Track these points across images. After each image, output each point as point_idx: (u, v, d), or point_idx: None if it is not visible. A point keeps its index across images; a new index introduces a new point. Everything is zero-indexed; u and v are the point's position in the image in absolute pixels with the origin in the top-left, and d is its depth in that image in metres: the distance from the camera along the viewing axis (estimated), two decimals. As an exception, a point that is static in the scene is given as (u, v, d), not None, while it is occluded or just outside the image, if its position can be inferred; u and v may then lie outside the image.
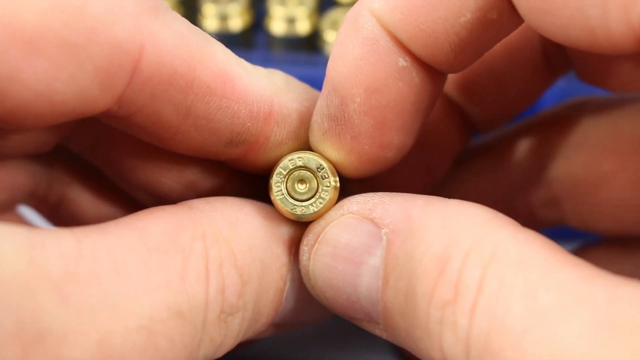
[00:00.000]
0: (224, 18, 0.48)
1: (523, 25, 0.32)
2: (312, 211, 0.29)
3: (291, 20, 0.48)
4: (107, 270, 0.24)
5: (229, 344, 0.28)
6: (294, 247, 0.29)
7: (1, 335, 0.22)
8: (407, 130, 0.30)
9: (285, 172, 0.29)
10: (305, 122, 0.31)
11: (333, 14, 0.48)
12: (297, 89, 0.31)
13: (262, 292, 0.28)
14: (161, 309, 0.25)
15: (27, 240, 0.24)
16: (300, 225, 0.30)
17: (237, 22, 0.48)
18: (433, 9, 0.27)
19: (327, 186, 0.29)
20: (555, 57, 0.34)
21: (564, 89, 0.43)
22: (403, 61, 0.28)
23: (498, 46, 0.32)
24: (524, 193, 0.37)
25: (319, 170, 0.29)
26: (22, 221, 0.36)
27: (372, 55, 0.28)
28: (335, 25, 0.48)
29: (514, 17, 0.27)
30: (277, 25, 0.48)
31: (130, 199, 0.35)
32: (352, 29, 0.28)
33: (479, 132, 0.37)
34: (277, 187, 0.29)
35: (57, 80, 0.25)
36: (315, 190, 0.29)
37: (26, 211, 0.36)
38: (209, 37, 0.28)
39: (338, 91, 0.29)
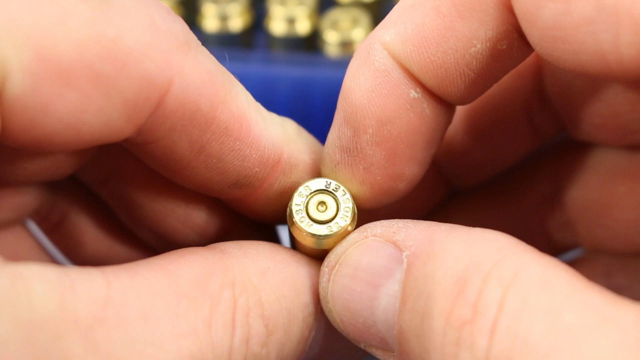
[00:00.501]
0: (224, 18, 0.48)
1: (507, 85, 0.32)
2: (336, 230, 0.29)
3: (291, 20, 0.48)
4: (135, 315, 0.24)
5: None
6: None
7: None
8: (418, 160, 0.30)
9: (306, 194, 0.29)
10: (310, 174, 0.31)
11: (333, 14, 0.48)
12: (307, 141, 0.31)
13: (287, 341, 0.28)
14: (185, 357, 0.25)
15: (58, 281, 0.24)
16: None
17: (237, 22, 0.48)
18: (444, 40, 0.28)
19: (348, 205, 0.29)
20: (540, 119, 0.34)
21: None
22: (414, 93, 0.29)
23: (481, 107, 0.33)
24: (539, 217, 0.36)
25: (336, 190, 0.29)
26: (31, 235, 0.36)
27: (384, 87, 0.29)
28: (335, 25, 0.48)
29: (523, 48, 0.28)
30: (277, 25, 0.48)
31: (131, 232, 0.35)
32: (363, 61, 0.29)
33: (457, 190, 0.37)
34: (298, 208, 0.29)
35: (86, 112, 0.25)
36: (335, 212, 0.29)
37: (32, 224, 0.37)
38: (233, 77, 0.28)
39: (350, 123, 0.29)
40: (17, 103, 0.24)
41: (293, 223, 0.29)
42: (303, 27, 0.48)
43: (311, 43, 0.49)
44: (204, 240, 0.33)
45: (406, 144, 0.29)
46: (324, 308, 0.29)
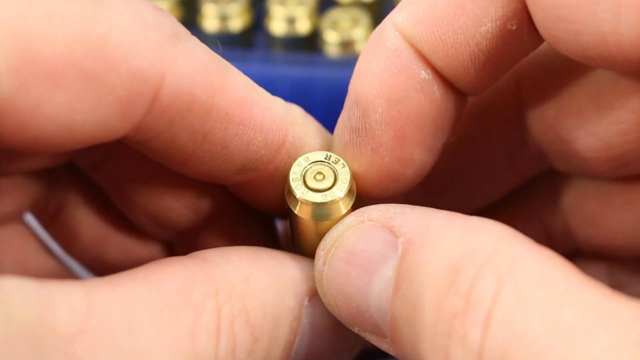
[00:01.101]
0: (224, 18, 0.48)
1: (486, 124, 0.32)
2: (330, 199, 0.29)
3: (291, 20, 0.48)
4: (117, 326, 0.24)
5: None
6: (307, 298, 0.29)
7: None
8: (427, 146, 0.30)
9: (305, 164, 0.29)
10: None
11: (333, 14, 0.48)
12: (313, 125, 0.31)
13: (273, 347, 0.28)
14: None
15: (37, 293, 0.23)
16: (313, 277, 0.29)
17: (237, 22, 0.48)
18: (454, 18, 0.28)
19: (346, 177, 0.29)
20: (521, 158, 0.34)
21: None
22: (425, 74, 0.29)
23: (459, 145, 0.33)
24: (539, 224, 0.36)
25: (335, 162, 0.29)
26: (29, 231, 0.36)
27: (395, 66, 0.29)
28: (335, 25, 0.48)
29: (532, 32, 0.28)
30: (277, 25, 0.48)
31: (126, 218, 0.35)
32: (376, 43, 0.29)
33: None
34: (295, 176, 0.29)
35: (78, 111, 0.25)
36: (332, 183, 0.29)
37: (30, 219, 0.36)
38: (228, 64, 0.28)
39: (360, 103, 0.29)
40: (6, 105, 0.24)
41: (289, 191, 0.29)
42: (303, 27, 0.48)
43: (311, 43, 0.49)
44: (198, 218, 0.33)
45: (415, 126, 0.29)
46: (319, 291, 0.29)
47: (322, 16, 0.49)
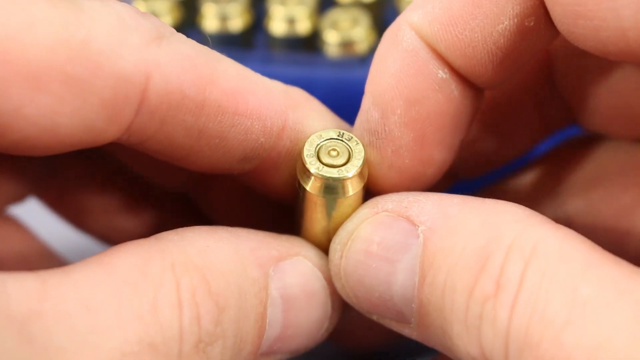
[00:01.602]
0: (224, 18, 0.48)
1: (516, 81, 0.32)
2: (346, 174, 0.29)
3: (291, 20, 0.48)
4: (73, 307, 0.24)
5: None
6: (272, 269, 0.29)
7: None
8: (447, 145, 0.30)
9: (317, 142, 0.29)
10: None
11: (333, 14, 0.48)
12: (316, 107, 0.31)
13: (242, 318, 0.28)
14: (133, 343, 0.25)
15: None
16: (276, 246, 0.29)
17: (237, 22, 0.48)
18: (471, 17, 0.28)
19: (360, 154, 0.29)
20: (549, 110, 0.34)
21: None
22: (442, 73, 0.29)
23: (490, 96, 0.33)
24: None
25: (349, 140, 0.29)
26: (15, 223, 0.36)
27: (412, 67, 0.29)
28: (335, 25, 0.48)
29: (550, 27, 0.28)
30: (277, 25, 0.48)
31: (130, 182, 0.35)
32: (391, 43, 0.29)
33: (461, 180, 0.37)
34: (309, 152, 0.29)
35: (61, 114, 0.25)
36: (347, 159, 0.29)
37: (27, 210, 0.36)
38: (219, 55, 0.28)
39: (378, 104, 0.29)
40: None
41: (303, 168, 0.29)
42: (303, 27, 0.48)
43: (311, 43, 0.49)
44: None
45: (435, 126, 0.29)
46: (336, 284, 0.29)
47: (322, 16, 0.49)
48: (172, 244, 0.27)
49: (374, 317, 0.29)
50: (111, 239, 0.37)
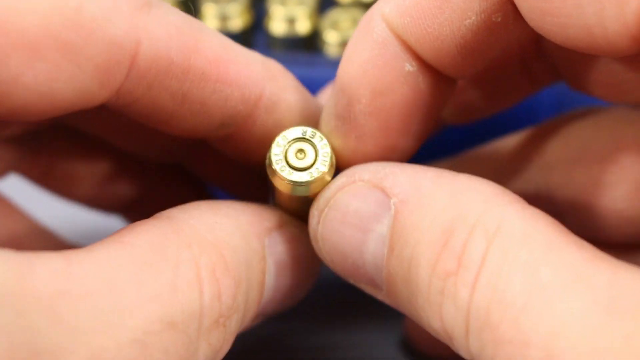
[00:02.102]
0: (224, 18, 0.48)
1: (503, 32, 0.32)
2: (316, 175, 0.30)
3: (291, 20, 0.48)
4: (97, 286, 0.25)
5: (227, 347, 0.28)
6: (267, 239, 0.30)
7: None
8: (412, 134, 0.31)
9: (283, 143, 0.30)
10: (294, 114, 0.32)
11: (333, 14, 0.48)
12: (290, 82, 0.32)
13: (250, 289, 0.29)
14: (154, 321, 0.25)
15: (15, 261, 0.24)
16: (267, 217, 0.31)
17: (237, 22, 0.48)
18: (440, 11, 0.28)
19: (326, 150, 0.30)
20: (536, 68, 0.34)
21: (561, 96, 0.43)
22: (409, 66, 0.29)
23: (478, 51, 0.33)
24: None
25: (312, 137, 0.30)
26: (3, 201, 0.36)
27: (380, 58, 0.29)
28: (335, 25, 0.48)
29: (519, 22, 0.28)
30: (277, 25, 0.48)
31: (120, 152, 0.36)
32: (363, 32, 0.29)
33: (448, 125, 0.37)
34: (277, 158, 0.30)
35: (58, 81, 0.26)
36: (314, 159, 0.30)
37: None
38: (203, 25, 0.30)
39: (346, 91, 0.30)
40: None
41: (274, 173, 0.30)
42: (303, 27, 0.48)
43: (311, 43, 0.49)
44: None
45: (399, 116, 0.30)
46: (314, 247, 0.30)
47: (322, 16, 0.49)
48: (184, 223, 0.28)
49: (351, 281, 0.30)
50: (101, 205, 0.39)
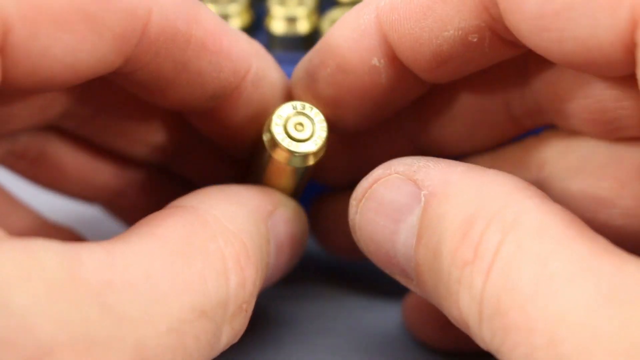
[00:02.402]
0: (224, 18, 0.48)
1: (486, 78, 0.34)
2: (321, 143, 0.32)
3: (291, 20, 0.48)
4: (137, 277, 0.26)
5: (245, 327, 0.30)
6: (269, 222, 0.32)
7: (57, 346, 0.23)
8: (362, 115, 0.33)
9: (281, 123, 0.32)
10: (276, 90, 0.34)
11: (333, 14, 0.48)
12: (273, 61, 0.34)
13: (261, 271, 0.30)
14: (187, 311, 0.27)
15: (65, 253, 0.25)
16: (269, 200, 0.33)
17: (237, 22, 0.48)
18: (424, 17, 0.30)
19: (320, 117, 0.32)
20: (519, 111, 0.35)
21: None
22: (377, 61, 0.32)
23: (459, 88, 0.35)
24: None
25: (303, 108, 0.33)
26: (6, 194, 0.37)
27: (355, 43, 0.31)
28: (335, 25, 0.48)
29: (499, 47, 0.30)
30: (277, 25, 0.48)
31: (112, 149, 0.38)
32: (355, 12, 0.32)
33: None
34: (281, 137, 0.32)
35: (82, 51, 0.27)
36: (312, 128, 0.32)
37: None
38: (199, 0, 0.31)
39: (321, 52, 0.32)
40: (21, 51, 0.26)
41: (282, 150, 0.32)
42: (303, 27, 0.48)
43: (311, 43, 0.49)
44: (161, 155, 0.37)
45: (353, 97, 0.33)
46: (353, 236, 0.31)
47: (322, 16, 0.49)
48: (207, 213, 0.29)
49: (387, 272, 0.31)
50: (84, 197, 0.40)
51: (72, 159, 0.38)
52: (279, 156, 0.32)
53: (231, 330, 0.29)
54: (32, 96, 0.33)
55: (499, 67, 0.34)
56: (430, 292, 0.28)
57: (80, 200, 0.40)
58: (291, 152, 0.32)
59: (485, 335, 0.26)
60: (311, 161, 0.32)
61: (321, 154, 0.33)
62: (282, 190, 0.34)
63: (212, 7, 0.48)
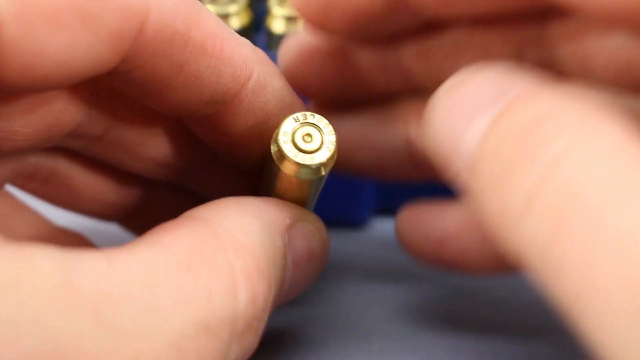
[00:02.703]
0: (224, 18, 0.48)
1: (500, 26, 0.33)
2: (333, 147, 0.31)
3: (291, 20, 0.48)
4: (138, 287, 0.25)
5: (256, 345, 0.29)
6: (286, 236, 0.31)
7: (43, 358, 0.22)
8: (355, 24, 0.34)
9: (290, 133, 0.31)
10: (278, 99, 0.33)
11: (333, 14, 0.48)
12: (276, 69, 0.34)
13: (276, 287, 0.29)
14: (190, 326, 0.25)
15: (61, 259, 0.24)
16: (287, 214, 0.32)
17: (237, 22, 0.48)
18: None
19: (325, 122, 0.32)
20: (533, 64, 0.35)
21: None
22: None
23: (468, 33, 0.34)
24: None
25: (305, 118, 0.32)
26: (13, 199, 0.37)
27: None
28: (335, 25, 0.48)
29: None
30: (277, 25, 0.48)
31: (123, 168, 0.37)
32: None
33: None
34: (286, 144, 0.31)
35: (77, 49, 0.26)
36: (320, 137, 0.31)
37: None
38: (198, 2, 0.31)
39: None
40: (13, 48, 0.25)
41: (295, 164, 0.31)
42: (303, 26, 0.48)
43: (311, 43, 0.49)
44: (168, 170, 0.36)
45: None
46: (424, 131, 0.30)
47: (322, 16, 0.49)
48: (218, 225, 0.28)
49: (441, 174, 0.30)
50: (99, 216, 0.39)
51: (83, 178, 0.37)
52: (291, 170, 0.31)
53: (240, 348, 0.27)
54: (35, 112, 0.32)
55: (515, 15, 0.33)
56: (480, 185, 0.27)
57: (96, 218, 0.39)
58: (307, 166, 0.31)
59: (526, 230, 0.25)
60: (326, 169, 0.31)
61: (335, 157, 0.32)
62: (296, 202, 0.33)
63: (211, 7, 0.48)
